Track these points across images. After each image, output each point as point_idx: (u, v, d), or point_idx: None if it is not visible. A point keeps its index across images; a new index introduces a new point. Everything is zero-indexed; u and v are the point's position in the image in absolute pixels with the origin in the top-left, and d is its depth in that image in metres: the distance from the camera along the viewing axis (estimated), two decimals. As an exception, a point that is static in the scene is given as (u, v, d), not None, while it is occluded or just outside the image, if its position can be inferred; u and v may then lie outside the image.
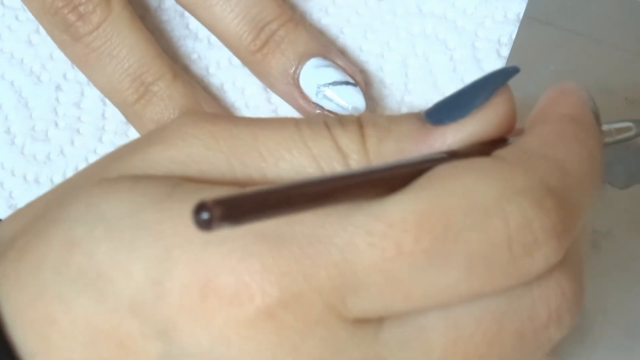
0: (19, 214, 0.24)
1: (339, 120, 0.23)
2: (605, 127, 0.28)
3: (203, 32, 0.37)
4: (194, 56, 0.37)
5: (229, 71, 0.37)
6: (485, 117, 0.23)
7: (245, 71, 0.37)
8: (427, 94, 0.36)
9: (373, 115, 0.24)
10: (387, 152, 0.23)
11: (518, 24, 0.37)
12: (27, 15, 0.36)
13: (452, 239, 0.20)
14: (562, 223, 0.21)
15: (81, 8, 0.33)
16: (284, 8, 0.35)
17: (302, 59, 0.35)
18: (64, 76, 0.36)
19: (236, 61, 0.37)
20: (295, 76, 0.35)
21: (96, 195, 0.22)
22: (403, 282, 0.20)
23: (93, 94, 0.36)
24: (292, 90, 0.35)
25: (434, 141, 0.23)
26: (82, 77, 0.36)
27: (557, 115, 0.24)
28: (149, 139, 0.23)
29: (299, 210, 0.20)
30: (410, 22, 0.37)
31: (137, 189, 0.21)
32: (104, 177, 0.22)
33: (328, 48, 0.36)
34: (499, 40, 0.37)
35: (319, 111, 0.35)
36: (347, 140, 0.22)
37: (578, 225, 0.22)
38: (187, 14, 0.37)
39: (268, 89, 0.37)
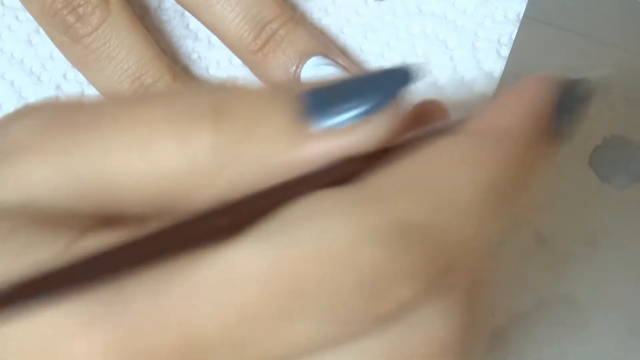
0: None
1: (187, 113, 0.19)
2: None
3: (203, 32, 0.37)
4: (194, 56, 0.37)
5: (229, 71, 0.37)
6: (377, 127, 0.20)
7: (246, 71, 0.37)
8: (427, 94, 0.36)
9: (231, 98, 0.19)
10: (247, 160, 0.19)
11: (518, 24, 0.37)
12: (27, 16, 0.36)
13: (303, 294, 0.18)
14: (424, 263, 0.19)
15: (80, 10, 0.33)
16: (284, 7, 0.35)
17: (303, 57, 0.35)
18: (64, 76, 0.36)
19: (236, 61, 0.37)
20: (296, 75, 0.35)
21: None
22: (254, 345, 0.18)
23: (93, 94, 0.36)
24: None
25: (306, 151, 0.19)
26: (82, 78, 0.36)
27: (478, 127, 0.21)
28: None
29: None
30: (410, 22, 0.37)
31: None
32: None
33: (328, 47, 0.36)
34: (499, 40, 0.37)
35: None
36: (201, 143, 0.19)
37: (461, 261, 0.19)
38: (187, 13, 0.37)
39: (268, 89, 0.37)
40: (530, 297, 0.34)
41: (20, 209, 0.19)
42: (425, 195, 0.19)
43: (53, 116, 0.20)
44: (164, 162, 0.19)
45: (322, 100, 0.20)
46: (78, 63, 0.34)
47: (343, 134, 0.20)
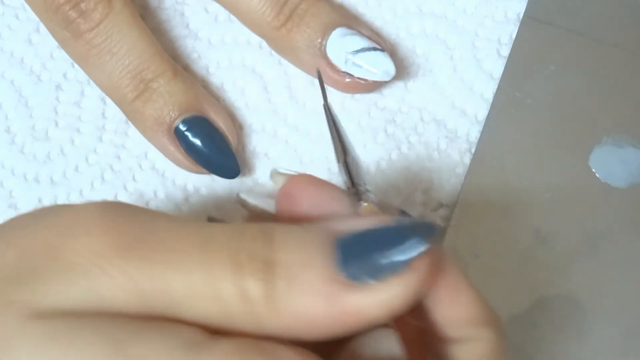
0: None
1: (253, 260, 0.22)
2: None
3: (203, 31, 0.37)
4: (194, 56, 0.37)
5: (229, 71, 0.37)
6: (403, 286, 0.22)
7: (246, 71, 0.37)
8: (427, 94, 0.36)
9: (288, 252, 0.22)
10: (297, 310, 0.22)
11: (518, 24, 0.37)
12: (27, 15, 0.36)
13: None
14: None
15: (83, 5, 0.33)
16: None
17: (328, 29, 0.34)
18: (64, 75, 0.36)
19: (237, 61, 0.37)
20: (322, 47, 0.34)
21: (25, 338, 0.21)
22: None
23: (93, 93, 0.36)
24: (319, 62, 0.35)
25: (344, 305, 0.22)
26: (82, 77, 0.36)
27: None
28: (66, 264, 0.22)
29: None
30: (411, 22, 0.37)
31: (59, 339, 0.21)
32: (34, 308, 0.21)
33: (350, 18, 0.36)
34: (499, 40, 0.37)
35: (348, 79, 0.35)
36: (256, 290, 0.22)
37: None
38: (187, 13, 0.37)
39: (267, 89, 0.37)
40: (530, 297, 0.34)
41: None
42: None
43: (121, 234, 0.22)
44: (225, 296, 0.21)
45: (352, 250, 0.22)
46: (79, 58, 0.34)
47: (376, 290, 0.22)
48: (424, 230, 0.22)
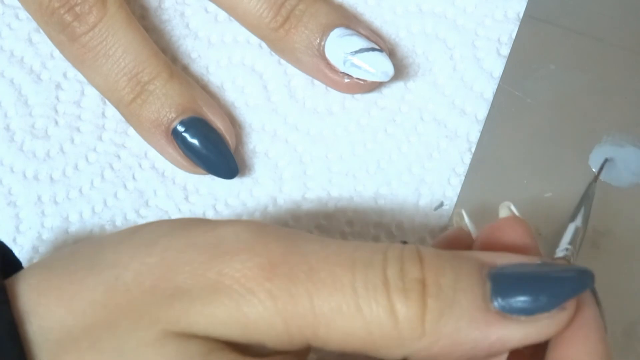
0: (67, 297, 0.23)
1: (401, 279, 0.22)
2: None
3: (203, 31, 0.37)
4: (194, 55, 0.37)
5: (229, 70, 0.37)
6: (549, 323, 0.23)
7: (245, 70, 0.37)
8: (427, 93, 0.36)
9: (438, 274, 0.23)
10: (445, 331, 0.22)
11: (518, 23, 0.37)
12: (27, 14, 0.36)
13: None
14: None
15: (77, 9, 0.33)
16: None
17: (326, 30, 0.34)
18: (64, 75, 0.36)
19: (236, 60, 0.37)
20: (321, 48, 0.34)
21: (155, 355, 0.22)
22: None
23: (93, 92, 0.36)
24: (318, 62, 0.35)
25: (492, 333, 0.22)
26: (82, 76, 0.36)
27: None
28: (212, 284, 0.22)
29: None
30: (410, 21, 0.37)
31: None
32: (167, 328, 0.22)
33: (349, 18, 0.35)
34: (499, 39, 0.37)
35: (347, 80, 0.34)
36: (406, 309, 0.22)
37: None
38: (187, 13, 0.37)
39: (267, 88, 0.37)
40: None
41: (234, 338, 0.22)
42: None
43: (269, 257, 0.23)
44: (370, 315, 0.22)
45: (508, 283, 0.23)
46: (76, 61, 0.34)
47: (525, 323, 0.22)
48: (582, 276, 0.23)
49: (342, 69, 0.34)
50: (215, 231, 0.23)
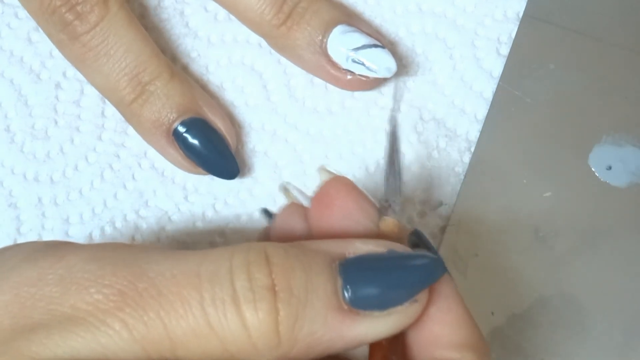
0: None
1: (250, 290, 0.22)
2: None
3: (203, 30, 0.37)
4: (194, 54, 0.37)
5: (229, 69, 0.37)
6: (402, 317, 0.23)
7: (245, 69, 0.37)
8: (426, 92, 0.36)
9: (288, 276, 0.22)
10: (301, 336, 0.22)
11: (518, 23, 0.37)
12: (26, 13, 0.36)
13: None
14: None
15: (79, 7, 0.33)
16: None
17: (328, 27, 0.34)
18: (64, 74, 0.36)
19: (236, 59, 0.37)
20: (323, 45, 0.34)
21: None
22: None
23: (93, 92, 0.36)
24: (320, 60, 0.35)
25: (347, 333, 0.22)
26: (81, 75, 0.36)
27: None
28: (68, 317, 0.22)
29: None
30: (410, 21, 0.37)
31: None
32: (37, 358, 0.22)
33: (351, 15, 0.35)
34: (498, 39, 0.37)
35: (350, 77, 0.34)
36: (257, 321, 0.22)
37: None
38: (186, 12, 0.37)
39: (267, 87, 0.36)
40: (530, 297, 0.34)
41: None
42: None
43: (117, 285, 0.22)
44: (223, 331, 0.22)
45: (358, 279, 0.23)
46: (76, 61, 0.34)
47: (379, 319, 0.23)
48: (432, 266, 0.23)
49: (344, 65, 0.34)
50: (62, 262, 0.23)
